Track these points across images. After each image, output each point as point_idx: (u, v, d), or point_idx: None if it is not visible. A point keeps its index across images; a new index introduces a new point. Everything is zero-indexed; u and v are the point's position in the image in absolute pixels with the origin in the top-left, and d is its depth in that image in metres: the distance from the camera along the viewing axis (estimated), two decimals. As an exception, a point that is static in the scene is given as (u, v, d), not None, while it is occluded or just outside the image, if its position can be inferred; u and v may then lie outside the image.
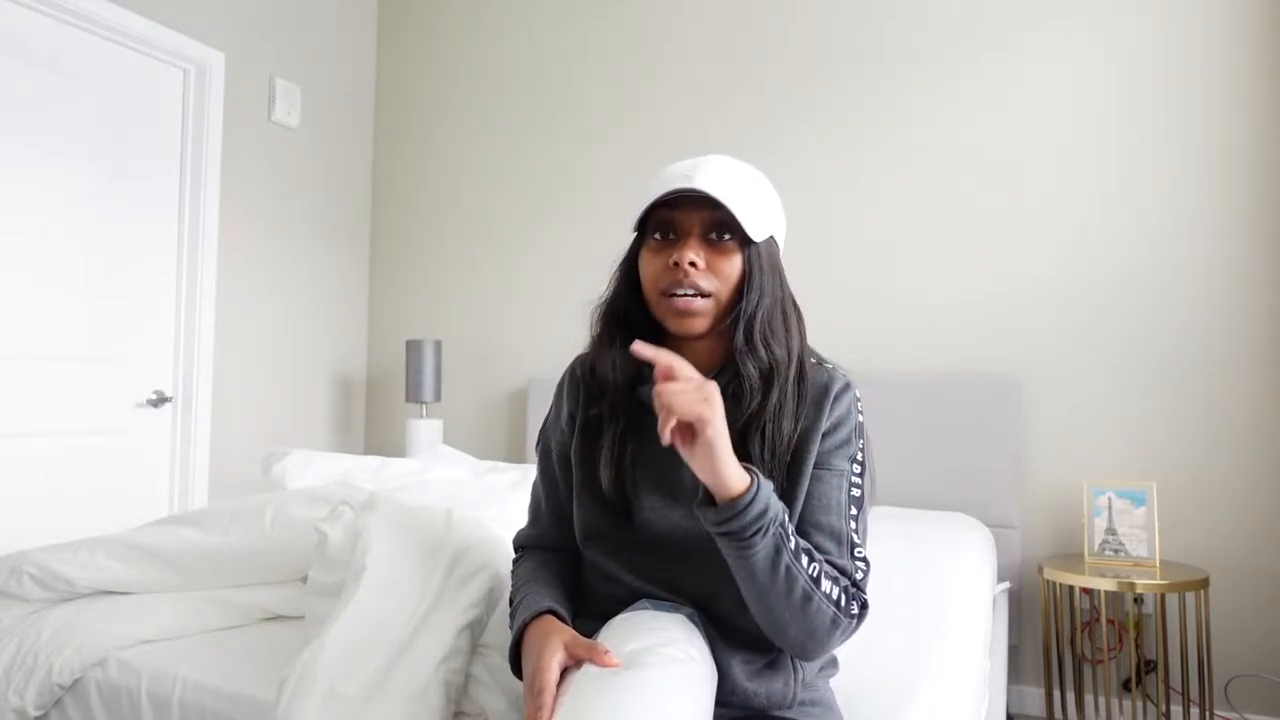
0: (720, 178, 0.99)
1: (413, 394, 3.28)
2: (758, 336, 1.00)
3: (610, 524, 1.05)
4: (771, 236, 1.04)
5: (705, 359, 1.06)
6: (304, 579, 1.51)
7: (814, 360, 1.07)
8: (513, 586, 1.11)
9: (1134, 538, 2.34)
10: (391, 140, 3.70)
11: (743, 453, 0.97)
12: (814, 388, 1.02)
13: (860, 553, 1.00)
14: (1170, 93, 2.52)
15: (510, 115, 3.46)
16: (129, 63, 2.79)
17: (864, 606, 0.97)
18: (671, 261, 0.98)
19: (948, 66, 2.77)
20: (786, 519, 0.90)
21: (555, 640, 0.93)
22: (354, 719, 1.04)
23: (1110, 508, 2.38)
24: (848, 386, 1.04)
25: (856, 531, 1.00)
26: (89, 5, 2.60)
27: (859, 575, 0.98)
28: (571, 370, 1.14)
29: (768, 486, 0.89)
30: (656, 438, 1.05)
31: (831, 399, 1.01)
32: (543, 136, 3.39)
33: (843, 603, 0.94)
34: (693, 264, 0.98)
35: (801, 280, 2.87)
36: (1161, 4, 2.53)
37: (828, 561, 0.96)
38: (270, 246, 3.25)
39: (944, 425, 2.62)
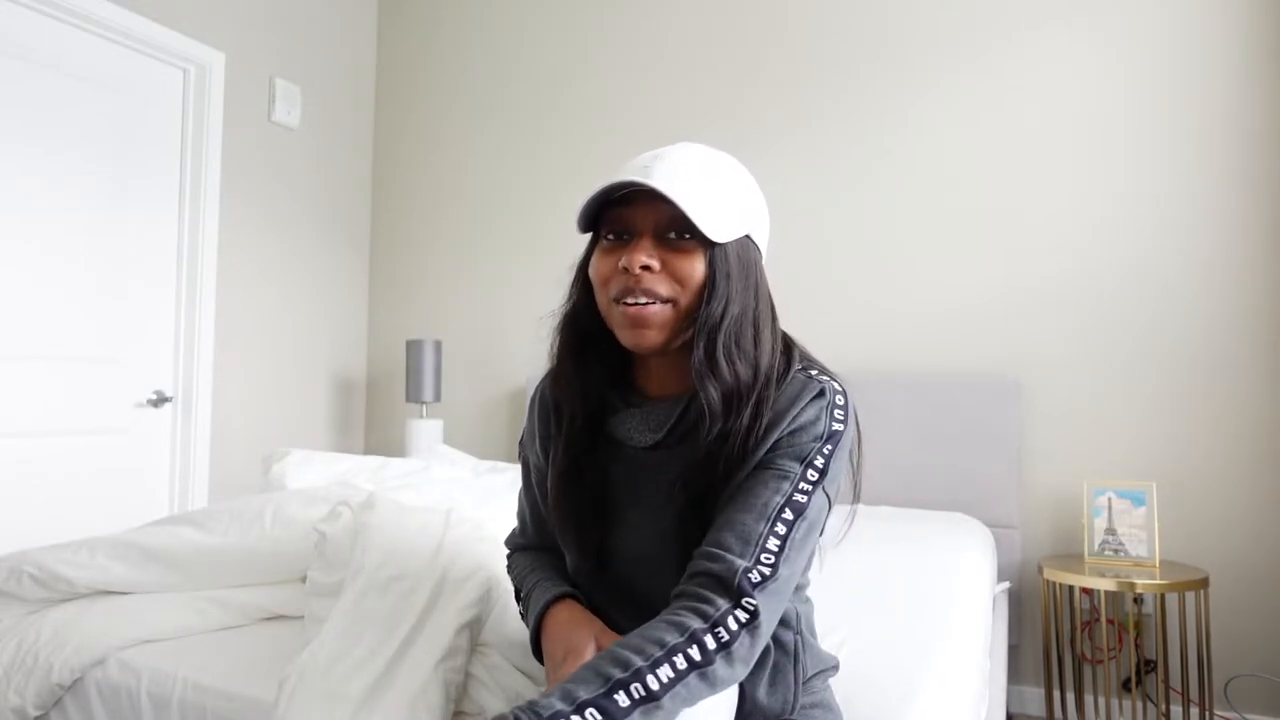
0: (681, 170, 0.88)
1: (413, 394, 3.28)
2: (720, 352, 0.87)
3: (586, 564, 0.99)
4: (747, 236, 0.92)
5: (675, 382, 0.95)
6: (304, 579, 1.51)
7: (803, 369, 0.94)
8: (515, 577, 1.10)
9: (1134, 538, 2.34)
10: (391, 140, 3.70)
11: (705, 474, 0.89)
12: (784, 397, 0.90)
13: (768, 559, 0.83)
14: (1170, 94, 2.52)
15: (510, 114, 3.46)
16: (129, 63, 2.78)
17: (750, 619, 0.80)
18: (620, 265, 0.88)
19: (947, 66, 2.77)
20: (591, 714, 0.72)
21: (586, 631, 0.92)
22: (354, 719, 1.04)
23: (1110, 508, 2.38)
24: (822, 393, 0.90)
25: (780, 538, 0.84)
26: (89, 5, 2.60)
27: (748, 579, 0.81)
28: (541, 392, 1.07)
29: None
30: (623, 464, 0.97)
31: (802, 405, 0.89)
32: (542, 136, 3.39)
33: (699, 656, 0.77)
34: (645, 267, 0.87)
35: (800, 281, 2.89)
36: (1164, 2, 2.53)
37: (704, 575, 0.82)
38: (270, 247, 3.25)
39: (944, 425, 2.62)
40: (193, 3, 2.93)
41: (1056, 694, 2.45)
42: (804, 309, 2.87)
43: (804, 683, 1.00)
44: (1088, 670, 2.50)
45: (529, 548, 1.14)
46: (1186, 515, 2.45)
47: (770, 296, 0.95)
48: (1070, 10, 2.63)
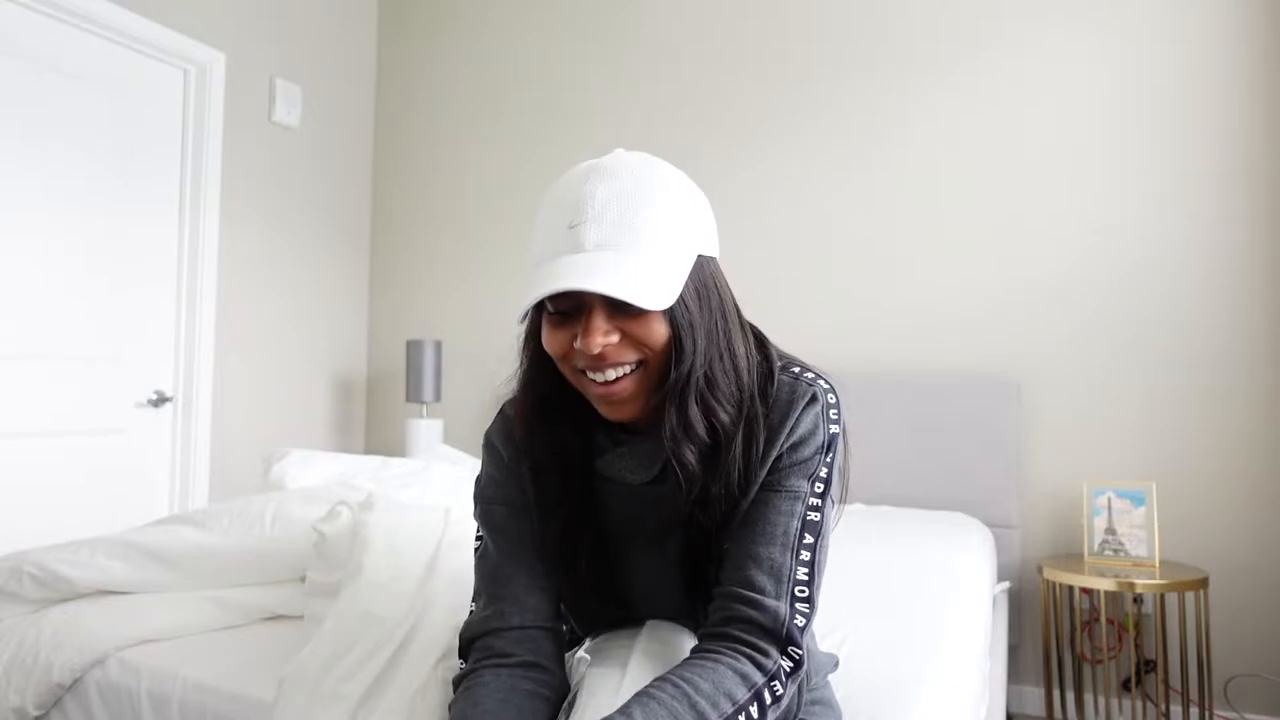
0: (615, 230, 0.79)
1: (413, 394, 3.28)
2: (693, 412, 0.84)
3: (588, 600, 0.97)
4: (699, 256, 0.84)
5: (660, 413, 0.88)
6: (303, 579, 1.51)
7: (786, 369, 0.91)
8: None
9: (1133, 537, 2.34)
10: (391, 140, 3.70)
11: (707, 506, 0.87)
12: (778, 407, 0.88)
13: (803, 593, 0.84)
14: (1171, 94, 2.52)
15: (510, 115, 3.46)
16: (129, 63, 2.79)
17: (795, 668, 0.83)
18: (577, 348, 0.81)
19: (947, 65, 2.77)
20: None
21: None
22: (353, 718, 1.04)
23: (1110, 507, 2.38)
24: (814, 398, 0.88)
25: (806, 565, 0.85)
26: (89, 5, 2.60)
27: (796, 626, 0.82)
28: (501, 436, 0.97)
29: None
30: (620, 501, 0.94)
31: (795, 415, 0.87)
32: (543, 136, 3.39)
33: (757, 713, 0.80)
34: (606, 345, 0.81)
35: (800, 281, 2.89)
36: (1164, 2, 2.53)
37: (749, 622, 0.82)
38: (270, 246, 3.25)
39: (944, 425, 2.62)
40: (193, 3, 2.93)
41: (1056, 694, 2.45)
42: (804, 309, 2.87)
43: (807, 689, 1.00)
44: (1087, 670, 2.50)
45: (495, 653, 0.91)
46: (1186, 515, 2.45)
47: (734, 300, 0.90)
48: (1071, 11, 2.62)
